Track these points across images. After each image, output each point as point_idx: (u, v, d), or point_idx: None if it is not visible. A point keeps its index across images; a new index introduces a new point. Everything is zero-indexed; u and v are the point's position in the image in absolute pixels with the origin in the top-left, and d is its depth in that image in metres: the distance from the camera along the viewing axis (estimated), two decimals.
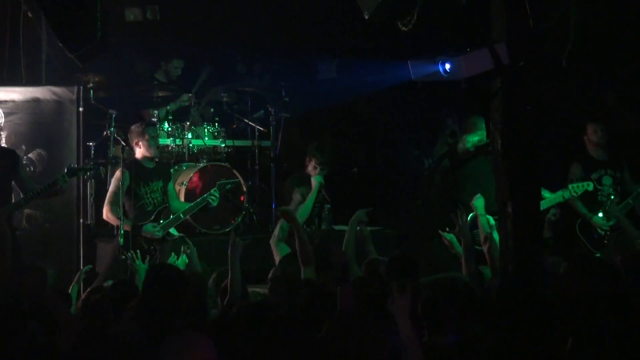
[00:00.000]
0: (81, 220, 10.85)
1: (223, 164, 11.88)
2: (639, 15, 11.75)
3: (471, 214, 9.58)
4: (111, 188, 10.31)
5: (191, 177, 11.46)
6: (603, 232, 10.84)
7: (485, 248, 8.62)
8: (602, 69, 12.57)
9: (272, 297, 7.54)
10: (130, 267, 9.19)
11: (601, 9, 11.27)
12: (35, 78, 11.33)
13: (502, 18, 8.14)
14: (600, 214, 10.91)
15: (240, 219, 11.61)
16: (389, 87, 12.74)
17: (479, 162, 11.02)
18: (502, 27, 8.14)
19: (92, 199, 11.56)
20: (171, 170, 11.20)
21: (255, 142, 12.59)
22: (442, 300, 5.98)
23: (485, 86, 8.31)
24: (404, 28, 8.31)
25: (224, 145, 12.33)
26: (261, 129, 12.55)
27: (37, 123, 10.82)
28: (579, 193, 10.75)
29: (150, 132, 10.50)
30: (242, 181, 11.65)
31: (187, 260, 9.53)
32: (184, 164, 11.95)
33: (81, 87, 11.04)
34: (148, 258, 9.80)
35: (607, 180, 11.12)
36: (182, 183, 11.36)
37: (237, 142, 12.73)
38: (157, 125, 11.48)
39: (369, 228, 9.40)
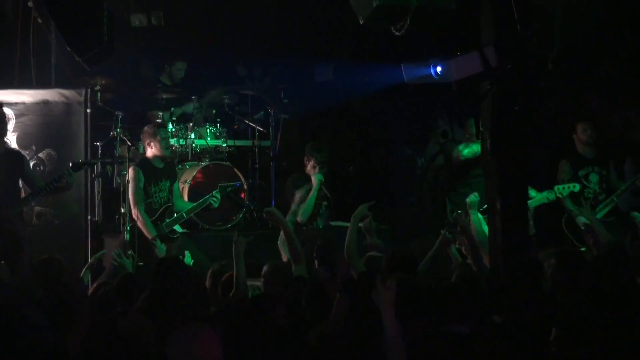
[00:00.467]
0: (89, 217, 10.84)
1: (225, 163, 11.88)
2: (621, 20, 11.77)
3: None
4: (131, 188, 10.30)
5: (194, 175, 11.46)
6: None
7: (465, 244, 8.57)
8: (586, 70, 12.58)
9: (266, 290, 7.56)
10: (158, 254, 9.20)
11: (585, 14, 11.29)
12: (45, 81, 11.33)
13: (491, 23, 8.15)
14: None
15: (241, 215, 11.61)
16: (383, 89, 12.76)
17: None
18: (490, 31, 8.15)
19: (99, 196, 11.57)
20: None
21: (256, 142, 12.59)
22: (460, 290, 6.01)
23: (475, 88, 8.32)
24: (397, 33, 8.31)
25: (225, 145, 12.32)
26: (261, 129, 12.55)
27: (46, 124, 10.82)
28: (565, 195, 10.75)
29: (162, 134, 10.59)
30: (243, 183, 11.63)
31: (191, 258, 9.56)
32: (187, 163, 11.95)
33: (89, 90, 11.03)
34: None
35: (593, 178, 11.13)
36: (186, 181, 11.36)
37: (238, 142, 12.73)
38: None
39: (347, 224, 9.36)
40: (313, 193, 10.81)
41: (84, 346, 5.79)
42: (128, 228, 10.14)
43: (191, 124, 12.18)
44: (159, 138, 10.50)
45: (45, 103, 10.85)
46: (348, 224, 9.45)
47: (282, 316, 6.03)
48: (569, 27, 11.37)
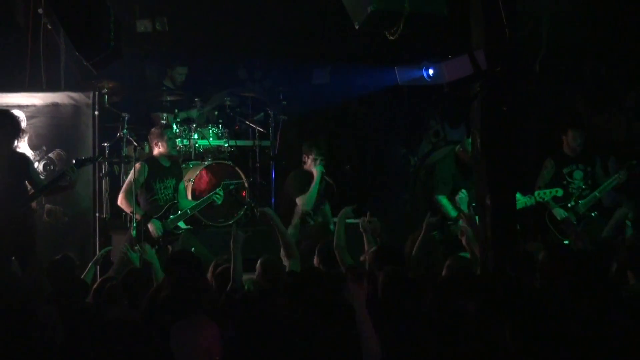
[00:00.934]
0: (97, 214, 10.84)
1: (227, 162, 11.87)
2: (603, 26, 11.79)
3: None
4: (129, 178, 10.40)
5: (198, 174, 11.46)
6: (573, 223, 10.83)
7: (463, 239, 8.59)
8: (571, 72, 12.60)
9: (262, 283, 7.54)
10: (145, 257, 9.18)
11: (570, 20, 11.31)
12: (55, 84, 11.31)
13: (481, 27, 8.16)
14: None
15: (242, 212, 11.61)
16: (377, 91, 12.77)
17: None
18: (480, 35, 8.16)
19: (107, 194, 11.57)
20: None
21: (256, 142, 12.58)
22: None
23: (466, 90, 8.33)
24: (391, 37, 8.33)
25: (227, 145, 12.32)
26: (261, 130, 12.54)
27: (56, 125, 10.80)
28: (546, 199, 10.72)
29: (168, 134, 10.73)
30: (244, 181, 11.63)
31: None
32: (191, 162, 11.94)
33: (96, 93, 11.01)
34: (156, 248, 9.82)
35: (577, 175, 11.11)
36: (189, 180, 11.36)
37: (239, 142, 12.72)
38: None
39: (350, 221, 9.34)
40: (316, 182, 10.82)
41: (90, 337, 5.80)
42: (134, 225, 10.15)
43: (194, 125, 12.19)
44: (166, 138, 10.60)
45: (55, 105, 10.83)
46: (351, 221, 9.47)
47: (281, 310, 6.03)
48: (555, 31, 11.39)
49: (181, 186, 10.78)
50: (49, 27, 10.85)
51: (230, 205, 11.47)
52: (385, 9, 8.15)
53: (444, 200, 10.73)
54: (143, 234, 10.08)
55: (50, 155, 10.63)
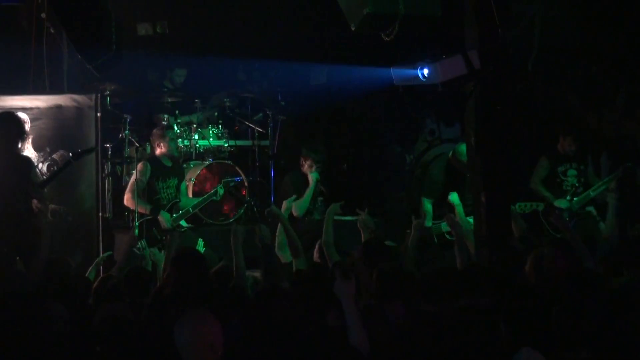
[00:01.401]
0: (100, 214, 10.81)
1: (227, 161, 11.87)
2: (595, 25, 11.77)
3: None
4: (132, 178, 10.39)
5: (198, 173, 11.45)
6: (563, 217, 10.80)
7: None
8: (564, 72, 12.58)
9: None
10: (151, 258, 9.15)
11: (562, 19, 11.30)
12: (58, 87, 11.30)
13: (474, 28, 8.15)
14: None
15: (242, 210, 11.59)
16: (373, 91, 12.75)
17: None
18: (474, 36, 8.15)
19: (109, 194, 11.58)
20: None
21: (255, 142, 12.56)
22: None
23: (460, 89, 8.32)
24: (386, 38, 8.31)
25: (227, 145, 12.32)
26: (260, 130, 12.52)
27: (59, 127, 10.78)
28: (526, 212, 10.64)
29: (170, 135, 10.71)
30: (244, 179, 11.63)
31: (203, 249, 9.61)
32: (192, 162, 11.94)
33: (99, 95, 10.99)
34: (160, 246, 9.82)
35: (571, 173, 11.10)
36: (190, 179, 11.35)
37: (239, 142, 12.71)
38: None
39: (349, 218, 9.31)
40: (310, 190, 10.79)
41: (95, 335, 5.78)
42: (137, 224, 10.15)
43: (194, 126, 12.19)
44: (167, 139, 10.58)
45: (58, 108, 10.80)
46: (343, 218, 9.46)
47: (286, 308, 6.01)
48: (547, 31, 11.37)
49: (183, 185, 10.79)
50: (52, 31, 10.82)
51: (230, 204, 11.46)
52: (380, 11, 8.13)
53: (427, 205, 10.68)
54: (145, 233, 10.07)
55: (54, 156, 10.60)
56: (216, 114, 12.75)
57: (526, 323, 5.11)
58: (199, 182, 11.42)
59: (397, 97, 13.09)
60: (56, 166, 10.48)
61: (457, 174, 10.41)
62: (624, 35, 11.97)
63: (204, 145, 12.19)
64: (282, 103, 12.76)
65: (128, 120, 11.57)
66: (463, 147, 9.55)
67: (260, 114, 12.81)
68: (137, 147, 11.68)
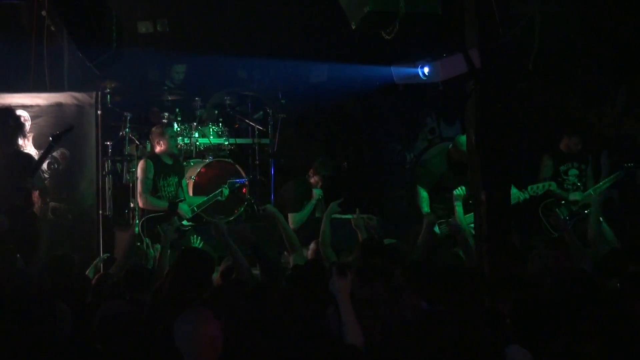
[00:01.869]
0: (100, 212, 10.82)
1: (227, 159, 11.86)
2: (594, 24, 11.78)
3: None
4: (139, 178, 10.35)
5: (199, 171, 11.44)
6: (563, 217, 10.79)
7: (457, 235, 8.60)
8: (564, 71, 12.59)
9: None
10: (155, 253, 9.16)
11: (562, 19, 11.28)
12: (58, 85, 11.30)
13: (475, 26, 8.14)
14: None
15: (242, 208, 11.59)
16: (374, 89, 12.75)
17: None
18: (474, 34, 8.14)
19: (110, 192, 11.58)
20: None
21: (255, 140, 12.57)
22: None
23: (460, 87, 8.32)
24: (387, 37, 8.31)
25: (227, 143, 12.32)
26: (260, 128, 12.53)
27: (60, 125, 10.75)
28: (540, 193, 10.65)
29: (169, 133, 10.66)
30: (248, 179, 11.61)
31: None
32: (192, 160, 11.93)
33: (99, 93, 10.99)
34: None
35: (572, 172, 11.12)
36: (191, 177, 11.34)
37: (239, 140, 12.72)
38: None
39: (349, 216, 9.31)
40: (310, 205, 10.82)
41: (95, 332, 5.78)
42: (137, 221, 10.14)
43: (195, 124, 12.18)
44: (167, 137, 10.53)
45: (58, 105, 10.80)
46: (342, 216, 9.45)
47: (279, 303, 6.01)
48: (547, 30, 11.37)
49: (183, 183, 10.79)
50: (53, 29, 10.82)
51: (230, 202, 11.45)
52: (381, 9, 8.13)
53: (423, 192, 10.65)
54: (146, 231, 10.08)
55: (55, 154, 10.60)
56: (216, 112, 12.75)
57: (528, 321, 5.14)
58: (199, 180, 11.42)
59: (397, 95, 13.10)
60: (57, 164, 10.49)
61: (456, 166, 10.39)
62: (623, 33, 11.98)
63: (204, 143, 12.19)
64: (283, 101, 12.76)
65: (128, 118, 11.59)
66: (463, 138, 9.55)
67: (261, 112, 12.82)
68: (137, 145, 11.68)
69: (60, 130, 9.71)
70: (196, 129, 12.16)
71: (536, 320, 5.19)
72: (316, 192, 10.84)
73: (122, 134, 11.65)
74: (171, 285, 6.52)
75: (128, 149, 11.69)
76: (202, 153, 12.15)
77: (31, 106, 10.68)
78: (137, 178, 10.41)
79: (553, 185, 10.70)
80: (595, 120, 12.93)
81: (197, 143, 12.15)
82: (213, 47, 13.24)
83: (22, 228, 9.21)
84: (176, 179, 10.62)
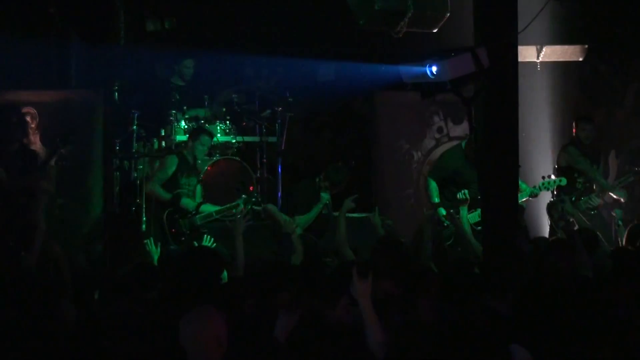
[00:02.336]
0: (108, 209, 10.83)
1: (234, 158, 11.86)
2: (605, 22, 11.76)
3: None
4: (158, 168, 10.48)
5: (205, 170, 11.43)
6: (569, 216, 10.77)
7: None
8: (571, 70, 12.57)
9: None
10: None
11: (570, 17, 11.27)
12: (66, 82, 11.32)
13: (483, 25, 8.12)
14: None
15: (250, 206, 11.57)
16: (382, 88, 12.72)
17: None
18: (482, 33, 8.12)
19: (117, 189, 11.58)
20: None
21: (263, 138, 12.56)
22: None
23: (468, 87, 8.29)
24: (395, 35, 8.29)
25: (234, 141, 12.32)
26: (268, 126, 12.52)
27: (67, 122, 10.79)
28: (550, 188, 10.61)
29: (203, 140, 10.95)
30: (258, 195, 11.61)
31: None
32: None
33: (107, 90, 11.01)
34: (183, 240, 9.94)
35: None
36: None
37: (247, 138, 12.70)
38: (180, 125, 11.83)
39: (357, 215, 9.29)
40: (316, 209, 10.81)
41: (106, 331, 5.78)
42: (144, 219, 10.15)
43: (202, 122, 12.17)
44: (198, 142, 10.87)
45: (66, 102, 10.83)
46: (352, 215, 9.43)
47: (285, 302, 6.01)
48: (555, 28, 11.36)
49: (199, 189, 10.90)
50: (61, 26, 10.84)
51: (233, 198, 11.43)
52: (389, 8, 8.12)
53: (432, 183, 10.66)
54: (167, 225, 10.16)
55: (62, 151, 10.61)
56: (224, 110, 12.74)
57: (533, 321, 5.12)
58: (206, 178, 11.40)
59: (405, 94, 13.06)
60: (64, 161, 10.50)
61: (467, 164, 10.38)
62: (632, 31, 11.96)
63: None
64: (290, 99, 12.72)
65: (136, 115, 11.59)
66: None
67: (268, 110, 12.79)
68: (144, 142, 11.68)
69: (67, 133, 9.80)
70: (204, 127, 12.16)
71: (536, 320, 5.17)
72: (323, 197, 10.83)
73: (130, 131, 11.66)
74: (177, 284, 6.52)
75: (135, 147, 11.69)
76: (209, 151, 12.14)
77: (39, 103, 10.70)
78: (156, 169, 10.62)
79: (563, 181, 10.65)
80: (603, 119, 12.90)
81: None
82: (221, 45, 13.23)
83: (20, 223, 9.21)
84: (195, 181, 10.86)
